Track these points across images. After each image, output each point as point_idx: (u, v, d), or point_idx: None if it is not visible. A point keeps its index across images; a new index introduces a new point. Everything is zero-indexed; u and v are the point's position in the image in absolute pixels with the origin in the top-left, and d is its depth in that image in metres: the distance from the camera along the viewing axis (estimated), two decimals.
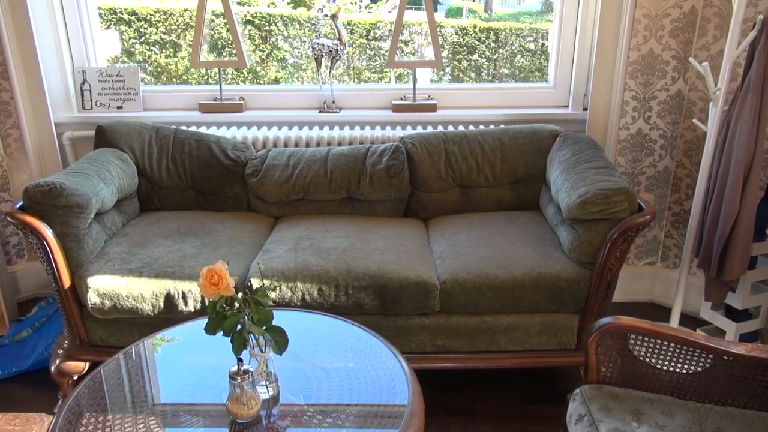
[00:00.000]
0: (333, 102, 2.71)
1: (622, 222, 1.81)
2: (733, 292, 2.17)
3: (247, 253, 2.04)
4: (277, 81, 6.32)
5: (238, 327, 1.15)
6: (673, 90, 2.40)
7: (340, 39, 2.66)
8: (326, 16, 2.63)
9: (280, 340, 1.16)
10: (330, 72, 2.72)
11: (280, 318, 1.34)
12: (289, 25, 5.79)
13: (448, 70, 6.57)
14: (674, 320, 2.27)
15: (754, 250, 2.08)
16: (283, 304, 1.88)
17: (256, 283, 1.86)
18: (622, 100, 2.42)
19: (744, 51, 1.95)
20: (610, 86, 2.45)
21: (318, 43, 2.67)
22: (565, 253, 1.96)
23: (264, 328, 1.16)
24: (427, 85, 2.92)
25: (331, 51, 2.66)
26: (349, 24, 5.93)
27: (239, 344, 1.13)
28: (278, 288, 1.86)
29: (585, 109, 2.59)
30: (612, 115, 2.47)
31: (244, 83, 6.14)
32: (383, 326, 1.90)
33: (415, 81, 2.69)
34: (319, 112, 2.69)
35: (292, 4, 6.27)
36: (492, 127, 2.55)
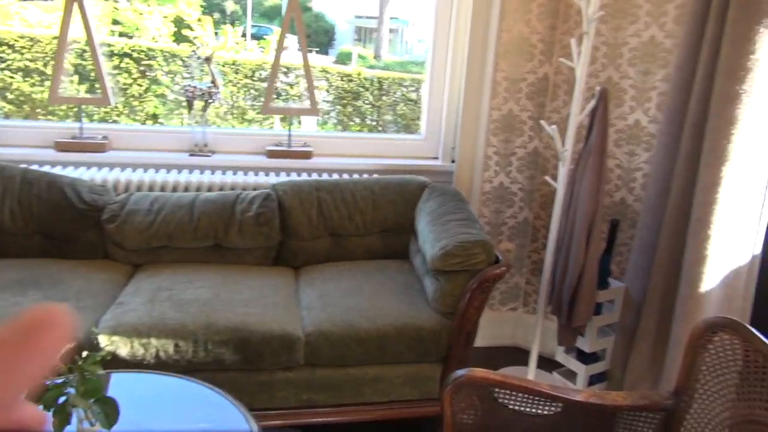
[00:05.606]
0: (205, 145, 2.63)
1: (480, 273, 1.90)
2: (583, 337, 2.33)
3: (98, 306, 1.89)
4: (155, 117, 6.06)
5: (61, 399, 1.04)
6: (530, 147, 2.60)
7: (213, 82, 2.61)
8: (199, 58, 2.58)
9: (110, 413, 1.07)
10: (204, 115, 2.65)
11: (124, 382, 1.24)
12: (171, 60, 5.61)
13: (333, 114, 6.67)
14: (532, 364, 2.39)
15: (599, 298, 2.26)
16: (135, 363, 1.75)
17: (104, 341, 1.72)
18: (485, 154, 2.58)
19: (586, 116, 2.15)
20: (475, 141, 2.60)
21: (190, 86, 2.60)
22: (429, 304, 2.01)
23: (92, 400, 1.06)
24: (302, 132, 2.93)
25: (204, 94, 2.60)
26: (234, 64, 5.86)
27: (61, 420, 1.02)
28: (130, 345, 1.74)
29: (453, 161, 2.73)
30: (477, 168, 2.61)
31: (118, 118, 5.82)
32: (245, 382, 1.83)
33: (290, 127, 2.69)
34: (190, 155, 2.60)
35: (174, 39, 6.09)
36: (365, 176, 2.60)
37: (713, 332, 1.35)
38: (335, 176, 2.60)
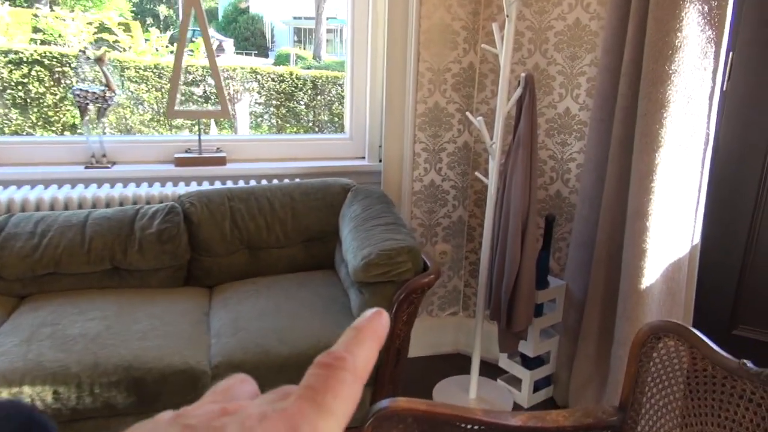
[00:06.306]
0: (104, 156, 2.35)
1: (407, 283, 1.72)
2: (525, 341, 2.19)
3: None
4: (74, 127, 5.63)
5: None
6: (460, 142, 2.44)
7: (108, 85, 2.33)
8: (89, 59, 2.30)
9: None
10: (101, 121, 2.37)
11: None
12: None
13: (266, 116, 6.39)
14: (474, 373, 2.23)
15: (539, 298, 2.12)
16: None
17: None
18: (414, 152, 2.40)
19: (513, 106, 2.01)
20: (402, 138, 2.42)
21: (81, 90, 2.32)
22: (354, 320, 1.82)
23: None
24: (214, 136, 2.69)
25: (98, 98, 2.32)
26: (156, 67, 5.51)
27: None
28: None
29: (381, 160, 2.54)
30: (405, 166, 2.43)
31: (32, 130, 5.36)
32: None
33: (200, 131, 2.44)
34: (86, 167, 2.32)
35: (93, 43, 5.68)
36: (287, 181, 2.39)
37: (657, 338, 1.21)
38: (253, 182, 2.37)
